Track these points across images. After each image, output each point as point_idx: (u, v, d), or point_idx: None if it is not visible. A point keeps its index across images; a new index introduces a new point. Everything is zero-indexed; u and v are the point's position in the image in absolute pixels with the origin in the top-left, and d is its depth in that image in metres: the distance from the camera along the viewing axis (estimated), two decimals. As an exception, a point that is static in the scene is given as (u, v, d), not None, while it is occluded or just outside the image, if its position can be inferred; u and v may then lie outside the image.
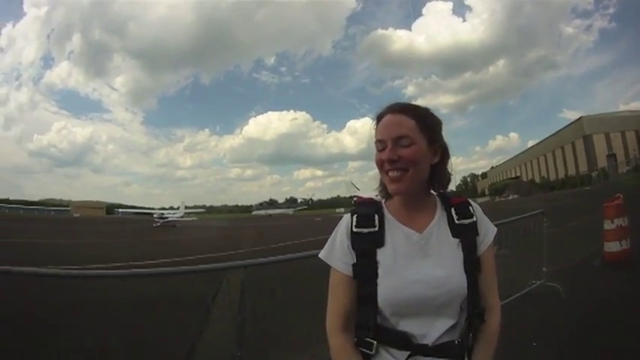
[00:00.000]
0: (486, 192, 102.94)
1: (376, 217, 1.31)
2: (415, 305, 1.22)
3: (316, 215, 69.42)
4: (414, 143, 1.24)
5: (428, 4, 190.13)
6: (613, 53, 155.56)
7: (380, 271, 1.24)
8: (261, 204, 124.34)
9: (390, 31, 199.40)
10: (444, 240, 1.28)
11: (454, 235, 1.29)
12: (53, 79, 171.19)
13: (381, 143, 1.27)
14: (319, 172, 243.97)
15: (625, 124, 75.96)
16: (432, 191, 1.38)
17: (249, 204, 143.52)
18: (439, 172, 1.35)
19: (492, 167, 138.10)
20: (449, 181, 1.38)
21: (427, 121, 1.30)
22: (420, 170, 1.27)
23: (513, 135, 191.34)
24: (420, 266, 1.24)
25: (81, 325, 4.28)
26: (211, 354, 4.21)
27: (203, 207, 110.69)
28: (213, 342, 4.34)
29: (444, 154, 1.35)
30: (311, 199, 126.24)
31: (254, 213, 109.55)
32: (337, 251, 1.32)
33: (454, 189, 1.44)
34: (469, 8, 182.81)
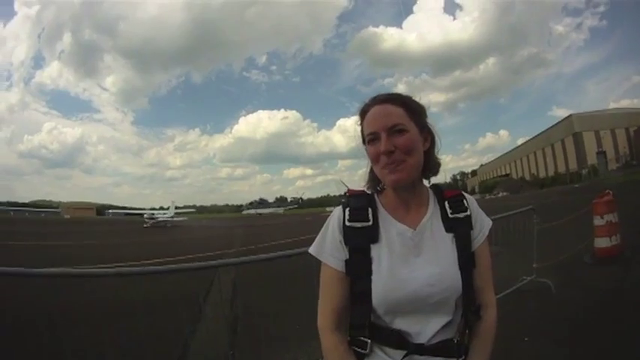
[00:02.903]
0: (476, 190, 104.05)
1: (370, 210, 1.27)
2: (410, 303, 1.19)
3: (307, 214, 69.61)
4: (407, 131, 1.21)
5: (419, 2, 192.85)
6: (604, 51, 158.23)
7: (374, 269, 1.21)
8: (251, 203, 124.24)
9: (381, 29, 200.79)
10: (438, 235, 1.25)
11: (448, 230, 1.26)
12: (44, 80, 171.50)
13: (373, 136, 1.23)
14: (309, 171, 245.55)
15: (615, 122, 76.80)
16: (425, 182, 1.35)
17: (239, 203, 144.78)
18: (430, 159, 1.32)
19: (482, 165, 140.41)
20: (439, 166, 1.35)
21: (414, 108, 1.27)
22: (416, 158, 1.23)
23: (503, 133, 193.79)
24: (415, 264, 1.21)
25: (74, 326, 4.24)
26: (205, 353, 4.19)
27: (193, 207, 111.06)
28: (206, 341, 4.31)
29: (432, 139, 1.32)
30: (301, 198, 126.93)
31: (244, 212, 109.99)
32: (328, 246, 1.28)
33: None
34: (460, 6, 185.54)
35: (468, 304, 1.25)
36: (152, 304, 4.75)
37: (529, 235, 6.12)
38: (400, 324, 1.21)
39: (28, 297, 4.75)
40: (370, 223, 1.25)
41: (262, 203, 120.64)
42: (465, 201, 1.32)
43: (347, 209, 1.28)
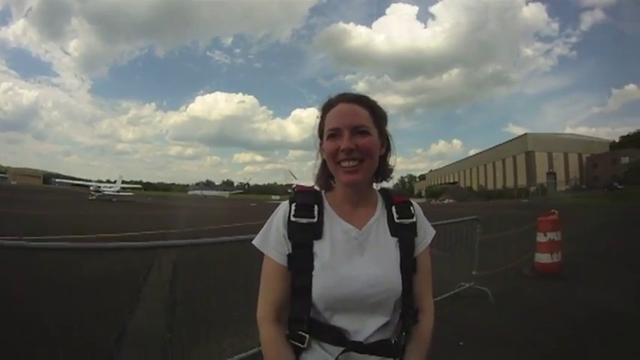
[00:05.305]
0: (423, 194, 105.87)
1: (316, 207, 1.28)
2: (350, 302, 1.20)
3: (251, 200, 69.48)
4: (369, 133, 1.24)
5: (393, 5, 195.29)
6: (568, 79, 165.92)
7: (316, 265, 1.22)
8: (197, 184, 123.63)
9: (351, 26, 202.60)
10: (383, 238, 1.28)
11: (392, 234, 1.28)
12: (7, 36, 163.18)
13: (334, 132, 1.25)
14: (259, 158, 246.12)
15: (569, 146, 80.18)
16: (375, 185, 1.38)
17: (186, 183, 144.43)
18: (384, 164, 1.35)
19: (431, 170, 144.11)
20: (391, 172, 1.38)
21: (379, 113, 1.31)
22: (373, 161, 1.27)
23: (456, 142, 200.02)
24: (357, 263, 1.23)
25: (7, 300, 4.05)
26: (142, 335, 4.08)
27: (140, 183, 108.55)
28: (144, 322, 4.21)
29: (389, 146, 1.36)
30: (247, 184, 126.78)
31: (190, 193, 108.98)
32: (272, 239, 1.28)
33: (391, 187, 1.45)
34: (433, 16, 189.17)
35: (407, 307, 1.27)
36: (90, 282, 4.59)
37: (471, 243, 6.34)
38: (339, 321, 1.22)
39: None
40: (315, 219, 1.26)
41: (208, 185, 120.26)
42: (411, 208, 1.35)
43: (293, 204, 1.29)
